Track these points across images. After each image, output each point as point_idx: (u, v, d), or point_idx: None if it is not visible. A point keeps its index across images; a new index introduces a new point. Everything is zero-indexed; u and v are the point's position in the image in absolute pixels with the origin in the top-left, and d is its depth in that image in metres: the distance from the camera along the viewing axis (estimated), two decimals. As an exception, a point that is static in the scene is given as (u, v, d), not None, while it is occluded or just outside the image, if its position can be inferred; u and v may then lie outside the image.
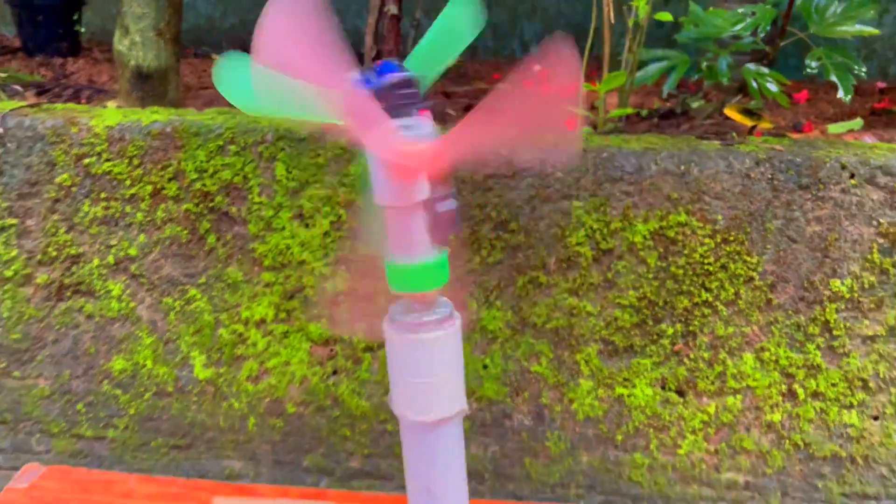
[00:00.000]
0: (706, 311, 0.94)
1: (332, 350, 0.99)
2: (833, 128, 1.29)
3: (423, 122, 0.57)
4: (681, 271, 0.93)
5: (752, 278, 0.93)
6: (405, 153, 0.54)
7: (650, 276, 0.94)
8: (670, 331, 0.95)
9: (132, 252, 0.98)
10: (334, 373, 1.00)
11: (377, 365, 0.98)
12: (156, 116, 0.96)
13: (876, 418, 0.95)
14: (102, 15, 1.83)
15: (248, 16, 1.86)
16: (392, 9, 1.11)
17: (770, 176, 0.91)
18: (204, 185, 0.95)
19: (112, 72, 1.53)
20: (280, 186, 0.95)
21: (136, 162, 0.95)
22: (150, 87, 1.20)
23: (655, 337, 0.95)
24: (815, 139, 1.02)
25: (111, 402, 1.02)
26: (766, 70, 1.17)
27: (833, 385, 0.95)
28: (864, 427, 0.95)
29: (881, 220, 0.90)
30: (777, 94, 1.15)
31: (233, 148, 0.94)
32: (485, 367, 0.98)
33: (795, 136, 1.22)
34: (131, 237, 0.97)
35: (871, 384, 0.94)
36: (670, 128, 1.24)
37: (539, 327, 0.96)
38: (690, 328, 0.95)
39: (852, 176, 0.90)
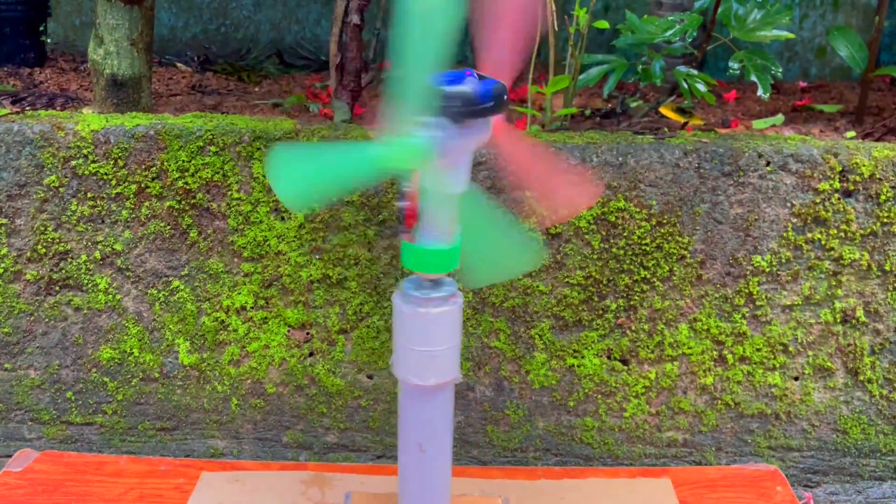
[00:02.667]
0: (645, 287, 1.05)
1: (308, 333, 1.07)
2: (757, 123, 1.42)
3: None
4: (621, 252, 1.04)
5: (684, 256, 1.04)
6: None
7: (595, 256, 1.04)
8: (614, 306, 1.06)
9: (118, 247, 1.05)
10: (311, 354, 1.08)
11: (350, 346, 1.07)
12: (138, 120, 1.04)
13: (796, 378, 1.08)
14: (66, 25, 1.87)
15: (210, 25, 1.92)
16: (354, 19, 1.20)
17: (697, 165, 1.02)
18: (186, 183, 1.03)
19: (80, 80, 1.58)
20: (257, 183, 1.03)
21: (120, 163, 1.02)
22: (124, 94, 1.26)
23: (601, 312, 1.06)
24: (737, 133, 1.14)
25: (99, 389, 1.09)
26: (695, 72, 1.29)
27: (758, 350, 1.06)
28: (786, 387, 1.07)
29: (794, 202, 1.02)
30: (705, 94, 1.27)
31: (212, 148, 1.02)
32: (449, 344, 1.07)
33: (722, 131, 1.34)
34: (117, 233, 1.04)
35: (791, 348, 1.06)
36: (611, 125, 1.35)
37: (497, 306, 1.06)
38: (631, 303, 1.06)
39: (768, 163, 1.02)
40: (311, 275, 1.05)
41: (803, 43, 1.83)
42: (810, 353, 1.07)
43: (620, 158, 1.02)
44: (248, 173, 1.03)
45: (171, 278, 1.06)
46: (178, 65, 1.81)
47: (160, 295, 1.06)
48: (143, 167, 1.02)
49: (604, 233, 1.03)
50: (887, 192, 1.02)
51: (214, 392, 1.09)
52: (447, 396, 0.76)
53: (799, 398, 1.08)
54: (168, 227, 1.04)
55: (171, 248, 1.05)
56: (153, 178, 1.03)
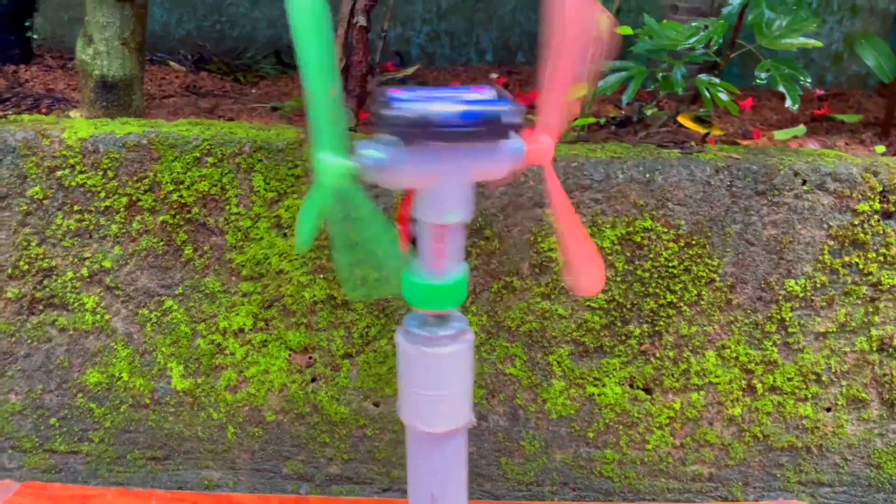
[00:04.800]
0: (671, 311, 0.99)
1: (310, 358, 1.00)
2: (779, 134, 1.36)
3: None
4: (647, 274, 0.98)
5: (713, 280, 0.98)
6: None
7: (618, 279, 0.98)
8: (637, 331, 0.99)
9: (107, 264, 0.97)
10: (313, 380, 1.01)
11: (356, 371, 1.00)
12: (130, 128, 0.96)
13: (829, 410, 1.02)
14: (53, 21, 1.79)
15: (204, 22, 1.85)
16: (361, 20, 1.13)
17: (729, 183, 0.96)
18: (181, 196, 0.95)
19: (68, 79, 1.50)
20: (258, 197, 0.96)
21: (110, 174, 0.95)
22: (114, 96, 1.18)
23: (623, 337, 1.00)
24: (767, 147, 1.08)
25: (85, 415, 1.02)
26: (717, 80, 1.23)
27: (789, 379, 1.00)
28: (818, 418, 1.01)
29: (831, 224, 0.96)
30: (728, 103, 1.21)
31: (210, 159, 0.95)
32: (461, 370, 1.00)
33: (745, 142, 1.28)
34: (106, 249, 0.97)
35: (824, 378, 1.00)
36: (628, 135, 1.29)
37: (513, 330, 0.99)
38: (656, 328, 0.99)
39: (804, 182, 0.96)
40: (314, 295, 0.98)
41: (819, 50, 1.77)
42: (844, 382, 1.01)
43: (647, 175, 0.95)
44: (248, 186, 0.95)
45: (163, 298, 0.99)
46: (171, 63, 1.73)
47: (152, 315, 0.99)
48: (135, 179, 0.95)
49: (628, 254, 0.97)
50: (930, 214, 0.96)
51: (209, 420, 1.02)
52: (459, 442, 0.70)
53: (831, 430, 1.02)
54: (161, 243, 0.97)
55: (165, 266, 0.98)
56: (145, 191, 0.95)
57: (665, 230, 0.96)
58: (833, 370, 1.00)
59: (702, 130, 1.31)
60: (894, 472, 1.03)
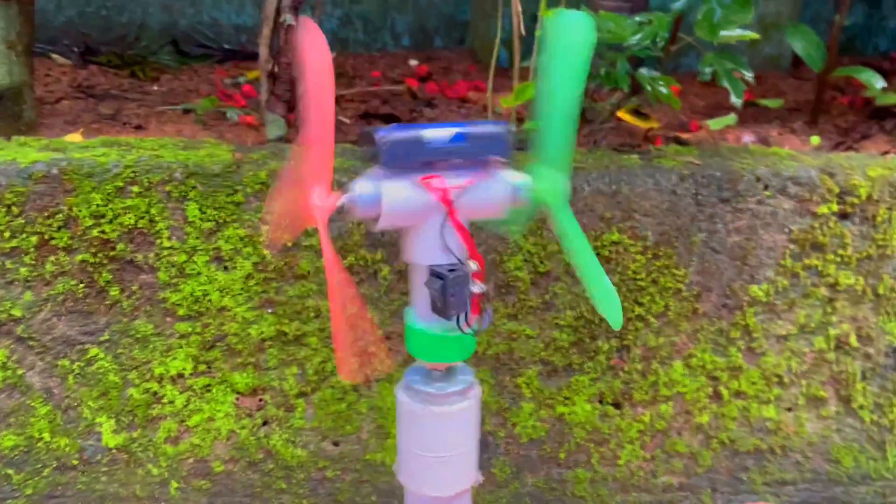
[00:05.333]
0: (639, 324, 0.96)
1: (260, 400, 0.91)
2: (713, 124, 1.36)
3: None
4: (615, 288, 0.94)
5: (679, 290, 0.95)
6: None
7: (586, 295, 0.94)
8: (606, 346, 0.96)
9: (16, 312, 0.84)
10: (265, 423, 0.92)
11: (312, 410, 0.92)
12: (33, 155, 0.83)
13: (790, 410, 1.02)
14: None
15: (87, 7, 1.66)
16: (288, 19, 1.02)
17: (694, 191, 0.93)
18: (102, 232, 0.83)
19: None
20: (193, 228, 0.85)
21: (15, 210, 0.81)
22: (1, 108, 1.03)
23: (592, 353, 0.96)
24: (720, 147, 1.06)
25: (2, 483, 0.89)
26: (657, 74, 1.20)
27: (753, 383, 1.00)
28: (780, 419, 1.02)
29: (792, 228, 0.95)
30: (670, 98, 1.19)
31: (135, 189, 0.83)
32: (425, 399, 0.94)
33: (686, 136, 1.26)
34: (14, 296, 0.84)
35: (785, 379, 1.01)
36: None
37: (479, 355, 0.94)
38: (625, 342, 0.96)
39: (766, 187, 0.94)
40: (262, 332, 0.89)
41: (733, 31, 1.78)
42: (804, 382, 1.01)
43: (613, 186, 0.91)
44: (181, 217, 0.84)
45: (86, 345, 0.87)
46: (54, 56, 1.54)
47: (74, 366, 0.87)
48: (46, 214, 0.82)
49: (596, 269, 0.93)
50: (883, 213, 0.96)
51: (149, 476, 0.91)
52: (465, 502, 0.64)
53: (793, 430, 1.02)
54: (81, 286, 0.85)
55: (86, 310, 0.86)
56: (59, 228, 0.83)
57: (632, 242, 0.93)
58: (793, 371, 1.00)
59: (642, 124, 1.29)
60: (850, 465, 1.05)
